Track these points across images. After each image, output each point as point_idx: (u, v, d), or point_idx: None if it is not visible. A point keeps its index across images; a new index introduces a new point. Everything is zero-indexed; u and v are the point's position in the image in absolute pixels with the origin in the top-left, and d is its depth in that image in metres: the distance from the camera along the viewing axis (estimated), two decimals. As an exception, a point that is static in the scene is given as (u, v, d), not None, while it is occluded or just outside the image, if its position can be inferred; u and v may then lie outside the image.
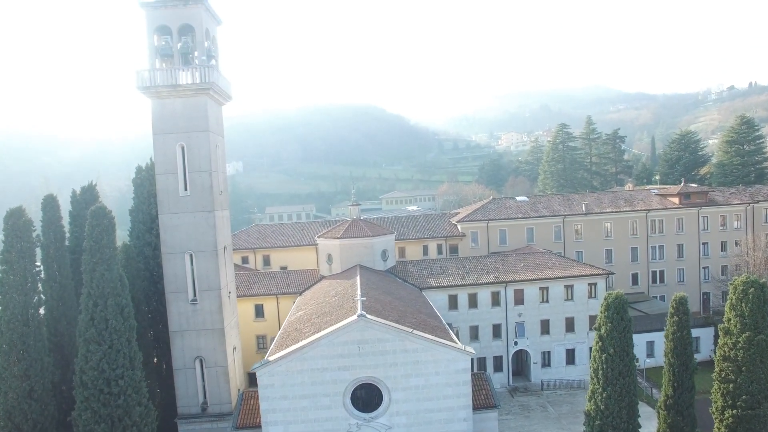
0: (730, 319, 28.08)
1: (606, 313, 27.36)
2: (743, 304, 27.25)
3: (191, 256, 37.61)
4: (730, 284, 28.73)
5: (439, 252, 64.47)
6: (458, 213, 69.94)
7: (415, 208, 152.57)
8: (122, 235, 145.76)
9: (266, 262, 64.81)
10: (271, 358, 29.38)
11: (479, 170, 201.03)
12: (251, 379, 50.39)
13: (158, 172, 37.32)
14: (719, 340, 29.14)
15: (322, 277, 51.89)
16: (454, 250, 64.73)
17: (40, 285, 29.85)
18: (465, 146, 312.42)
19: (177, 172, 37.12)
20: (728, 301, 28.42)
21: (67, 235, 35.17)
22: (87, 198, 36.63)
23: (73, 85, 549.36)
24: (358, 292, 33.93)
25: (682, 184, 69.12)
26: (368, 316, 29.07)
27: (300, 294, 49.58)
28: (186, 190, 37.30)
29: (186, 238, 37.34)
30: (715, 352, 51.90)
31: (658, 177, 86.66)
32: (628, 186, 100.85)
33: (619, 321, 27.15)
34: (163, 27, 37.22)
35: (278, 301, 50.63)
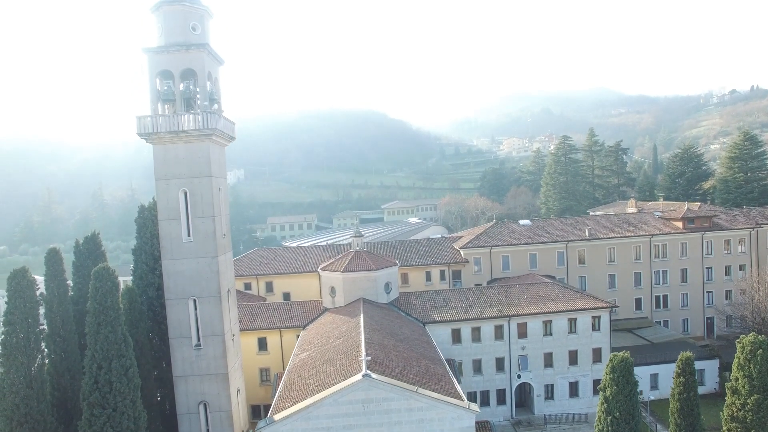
0: (737, 379, 27.87)
1: (611, 375, 27.14)
2: (751, 365, 27.05)
3: (195, 301, 37.48)
4: (738, 342, 28.52)
5: (442, 278, 64.38)
6: (461, 237, 69.82)
7: (416, 219, 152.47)
8: (124, 246, 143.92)
9: (269, 288, 64.74)
10: (275, 417, 29.24)
11: (481, 178, 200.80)
12: (254, 412, 50.53)
13: (161, 218, 37.17)
14: (726, 398, 28.93)
15: (326, 310, 51.75)
16: (457, 275, 64.63)
17: (43, 344, 29.72)
18: (467, 151, 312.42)
19: (180, 218, 36.98)
20: (736, 360, 28.22)
21: (70, 283, 35.09)
22: (90, 248, 36.55)
23: (72, 91, 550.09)
24: (363, 345, 33.79)
25: (685, 208, 68.87)
26: (373, 375, 28.91)
27: (303, 328, 49.45)
28: (189, 235, 37.16)
29: (189, 284, 37.21)
30: (719, 384, 52.04)
31: (661, 198, 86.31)
32: (631, 202, 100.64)
33: (625, 384, 26.91)
34: (165, 72, 37.13)
35: (281, 334, 50.58)
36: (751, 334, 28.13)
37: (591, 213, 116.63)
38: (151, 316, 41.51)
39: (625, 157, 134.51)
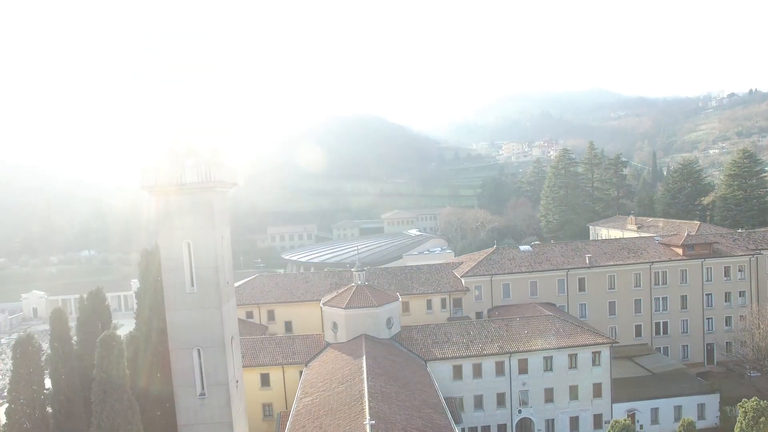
0: (739, 443, 28.12)
1: (613, 442, 27.35)
2: (752, 432, 27.30)
3: (199, 351, 37.67)
4: (740, 406, 28.73)
5: (443, 306, 64.64)
6: (461, 263, 70.01)
7: (416, 232, 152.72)
8: (125, 259, 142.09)
9: (270, 316, 64.93)
10: (280, 480, 29.42)
11: (481, 186, 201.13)
12: (257, 448, 50.79)
13: (164, 269, 37.31)
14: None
15: (328, 345, 51.95)
16: (457, 303, 64.90)
17: (49, 407, 29.94)
18: (466, 156, 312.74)
19: (183, 269, 37.15)
20: (738, 424, 28.44)
21: (73, 336, 35.32)
22: (94, 304, 36.73)
23: (72, 95, 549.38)
24: (366, 397, 34.08)
25: (685, 234, 69.13)
26: (377, 440, 29.16)
27: (306, 365, 49.68)
28: (192, 286, 37.31)
29: (193, 334, 37.31)
30: (719, 419, 52.33)
31: (661, 223, 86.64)
32: (631, 219, 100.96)
33: (627, 452, 27.13)
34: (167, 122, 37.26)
35: (284, 370, 50.94)
36: (753, 399, 28.33)
37: (591, 227, 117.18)
38: (154, 360, 41.73)
39: (625, 170, 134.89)
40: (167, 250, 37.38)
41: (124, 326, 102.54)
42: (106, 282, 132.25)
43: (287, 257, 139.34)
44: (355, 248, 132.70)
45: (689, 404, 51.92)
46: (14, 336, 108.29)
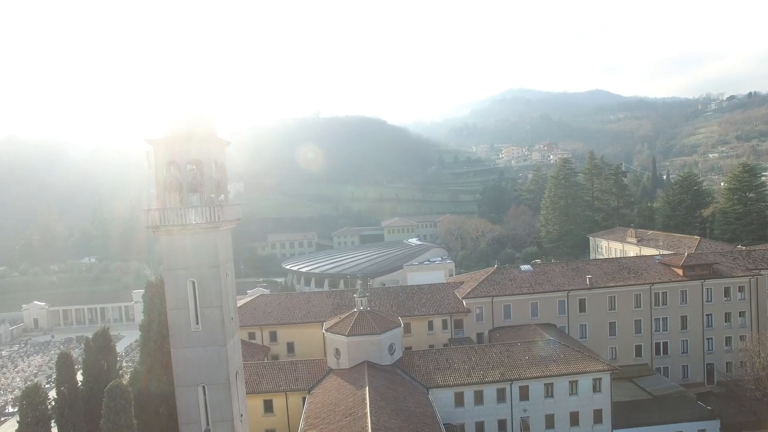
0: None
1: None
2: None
3: (204, 388, 37.98)
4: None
5: (444, 327, 65.06)
6: (462, 283, 70.35)
7: (416, 241, 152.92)
8: (125, 267, 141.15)
9: (273, 337, 65.31)
10: None
11: (481, 193, 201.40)
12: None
13: (169, 307, 37.58)
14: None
15: (331, 370, 52.29)
16: (458, 324, 65.32)
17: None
18: (465, 159, 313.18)
19: (188, 307, 37.44)
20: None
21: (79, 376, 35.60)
22: (99, 345, 37.00)
23: (72, 97, 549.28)
24: None
25: (686, 255, 69.48)
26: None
27: (309, 392, 50.01)
28: (197, 324, 37.61)
29: (198, 372, 37.62)
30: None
31: (661, 239, 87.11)
32: (630, 232, 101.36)
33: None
34: (171, 162, 37.55)
35: (287, 396, 51.26)
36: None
37: (591, 237, 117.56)
38: (158, 393, 42.07)
39: (625, 178, 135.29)
40: (172, 288, 37.59)
41: (125, 338, 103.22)
42: (106, 292, 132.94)
43: (287, 267, 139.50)
44: (355, 257, 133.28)
45: (690, 430, 52.27)
46: (15, 347, 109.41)
